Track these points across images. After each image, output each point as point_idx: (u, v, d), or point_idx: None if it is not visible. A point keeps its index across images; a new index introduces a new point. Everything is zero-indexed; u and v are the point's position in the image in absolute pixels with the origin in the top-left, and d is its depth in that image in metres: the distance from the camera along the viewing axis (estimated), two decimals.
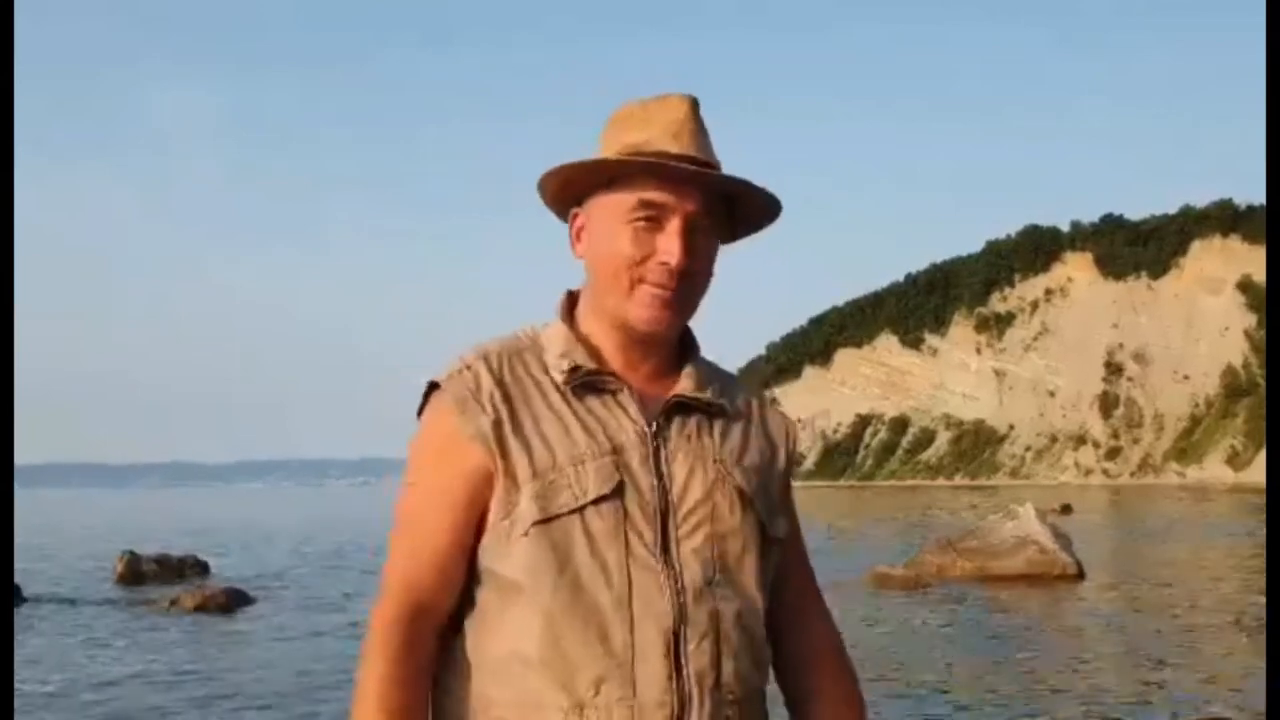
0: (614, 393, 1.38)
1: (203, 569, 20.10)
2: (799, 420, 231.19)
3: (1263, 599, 15.95)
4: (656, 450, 1.36)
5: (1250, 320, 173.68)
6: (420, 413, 1.39)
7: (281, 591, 17.37)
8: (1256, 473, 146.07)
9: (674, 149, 1.35)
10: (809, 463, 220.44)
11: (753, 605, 1.38)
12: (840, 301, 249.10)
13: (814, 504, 67.68)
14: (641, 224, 1.35)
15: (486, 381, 1.34)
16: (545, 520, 1.28)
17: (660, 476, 1.34)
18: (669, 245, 1.34)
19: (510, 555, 1.30)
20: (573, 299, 1.47)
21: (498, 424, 1.32)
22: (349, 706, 1.30)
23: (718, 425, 1.43)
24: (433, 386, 1.38)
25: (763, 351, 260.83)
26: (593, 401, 1.37)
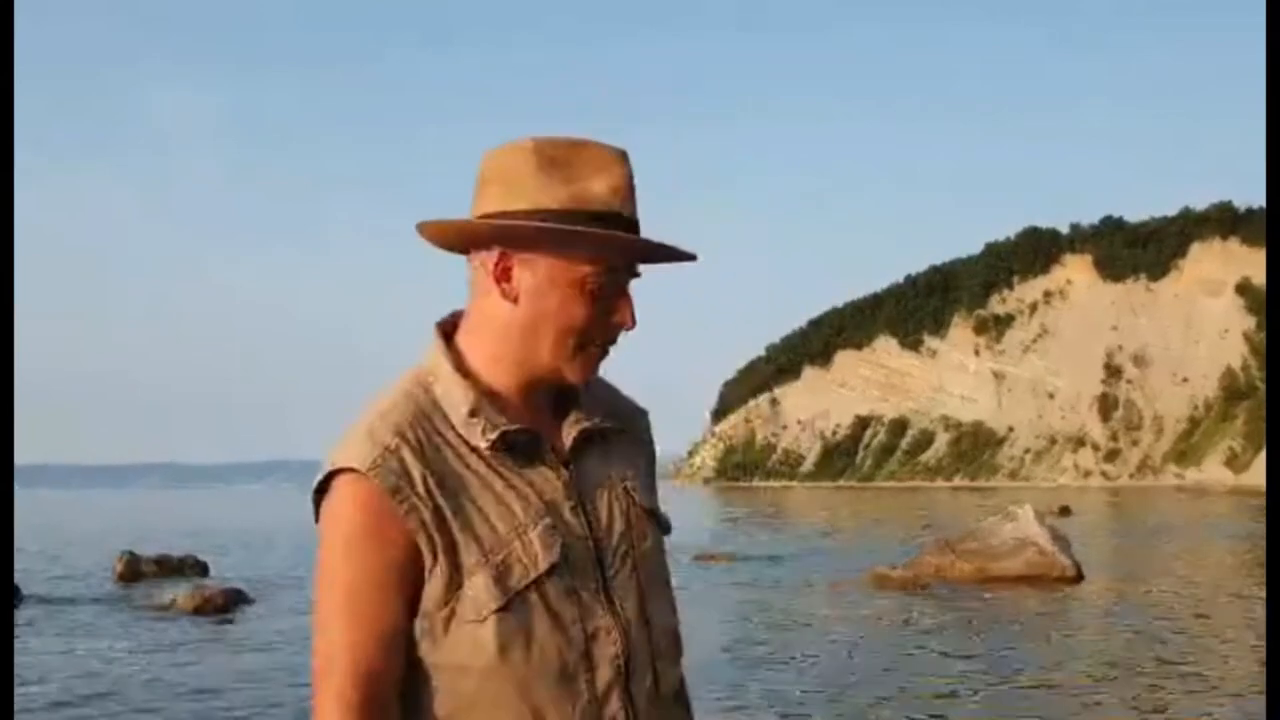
0: (530, 444, 1.31)
1: (202, 569, 20.11)
2: (799, 422, 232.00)
3: (1263, 598, 15.97)
4: (579, 494, 1.33)
5: (1249, 323, 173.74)
6: (323, 495, 1.29)
7: (280, 592, 17.37)
8: (1256, 475, 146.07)
9: (625, 213, 1.31)
10: (808, 464, 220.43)
11: (672, 608, 1.41)
12: (840, 303, 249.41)
13: (814, 505, 67.71)
14: (594, 290, 1.29)
15: (416, 468, 1.25)
16: (506, 604, 1.24)
17: (587, 520, 1.32)
18: (625, 312, 1.32)
19: (454, 642, 1.25)
20: (446, 334, 1.37)
21: (438, 513, 1.24)
22: None
23: (610, 443, 1.40)
24: (340, 471, 1.26)
25: (762, 352, 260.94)
26: (513, 459, 1.30)
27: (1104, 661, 10.92)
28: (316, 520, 1.30)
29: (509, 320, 1.31)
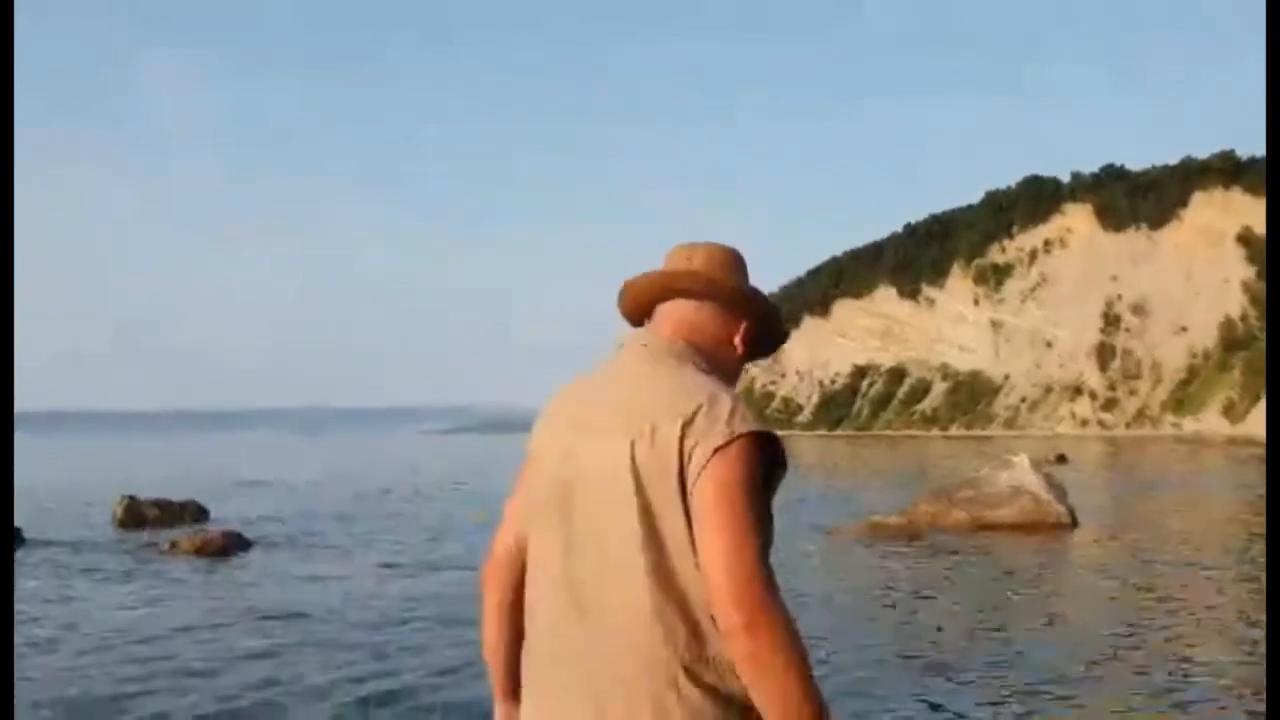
0: None
1: (202, 513, 20.21)
2: (797, 372, 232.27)
3: (1256, 547, 16.08)
4: None
5: (1249, 272, 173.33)
6: (749, 455, 1.59)
7: (279, 536, 17.48)
8: (1252, 425, 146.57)
9: None
10: (806, 413, 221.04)
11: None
12: (839, 252, 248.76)
13: (811, 454, 67.94)
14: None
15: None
16: None
17: None
18: None
19: None
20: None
21: None
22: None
23: None
24: (756, 435, 1.61)
25: None
26: None
27: (1092, 606, 11.03)
28: (711, 443, 1.58)
29: (733, 359, 1.85)
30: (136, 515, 19.13)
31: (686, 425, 1.59)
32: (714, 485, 1.56)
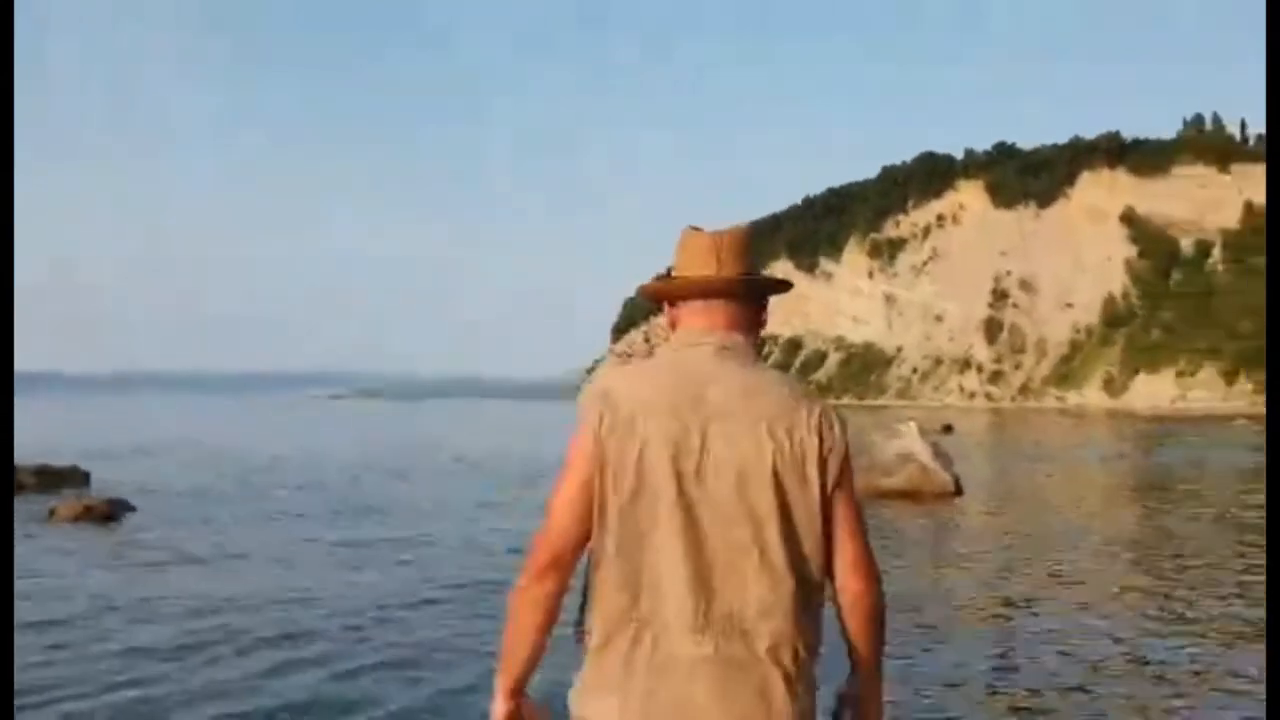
0: None
1: (84, 479, 19.59)
2: None
3: (1128, 512, 16.79)
4: None
5: (1131, 251, 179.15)
6: (825, 420, 1.97)
7: (162, 502, 17.07)
8: (1131, 399, 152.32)
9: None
10: None
11: None
12: (739, 222, 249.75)
13: None
14: None
15: None
16: None
17: None
18: None
19: None
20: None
21: None
22: None
23: None
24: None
25: (661, 271, 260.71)
26: None
27: (972, 569, 11.40)
28: (836, 438, 1.96)
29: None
30: (15, 482, 18.44)
31: (821, 426, 1.94)
32: (846, 477, 1.95)
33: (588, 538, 1.92)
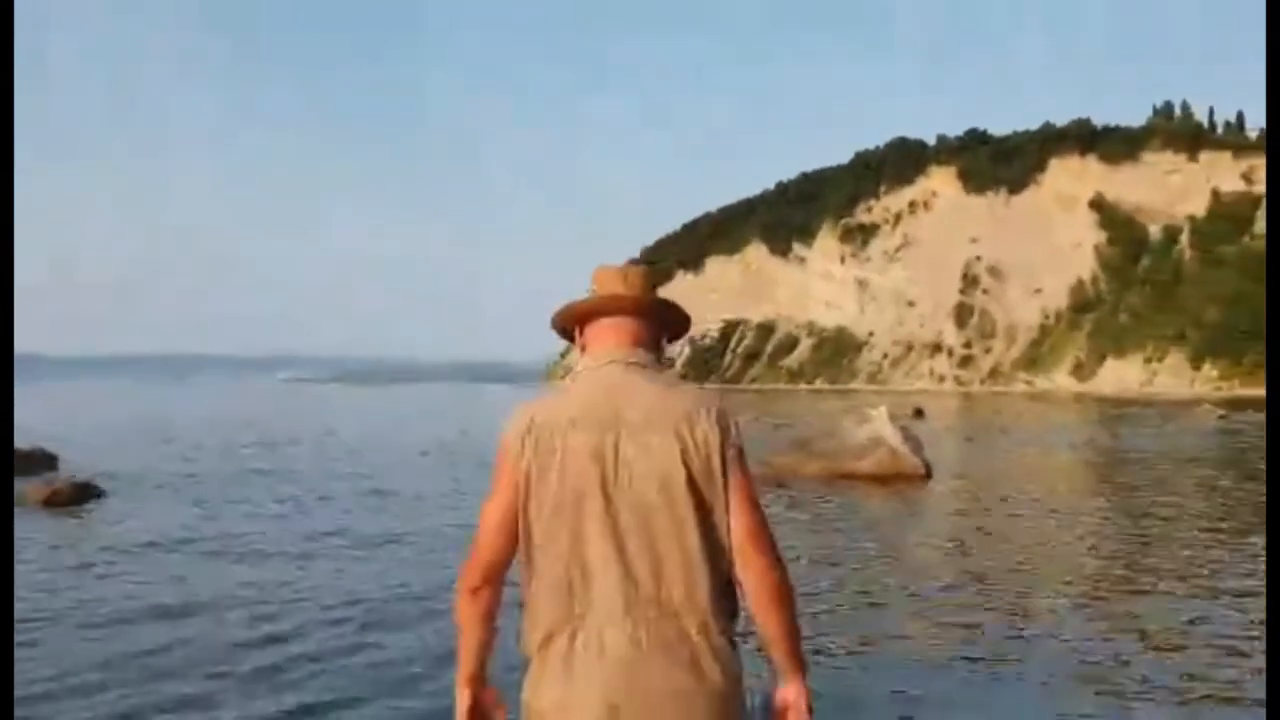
0: None
1: (50, 462, 19.44)
2: None
3: (1098, 496, 17.00)
4: None
5: (1100, 237, 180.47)
6: (723, 419, 2.23)
7: (131, 485, 16.97)
8: (1099, 383, 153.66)
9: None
10: (677, 366, 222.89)
11: None
12: (713, 208, 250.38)
13: None
14: None
15: None
16: None
17: None
18: None
19: None
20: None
21: None
22: None
23: None
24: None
25: (636, 255, 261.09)
26: None
27: (942, 551, 11.53)
28: (730, 438, 2.16)
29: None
30: None
31: (720, 421, 2.16)
32: (741, 468, 2.16)
33: (509, 554, 2.19)
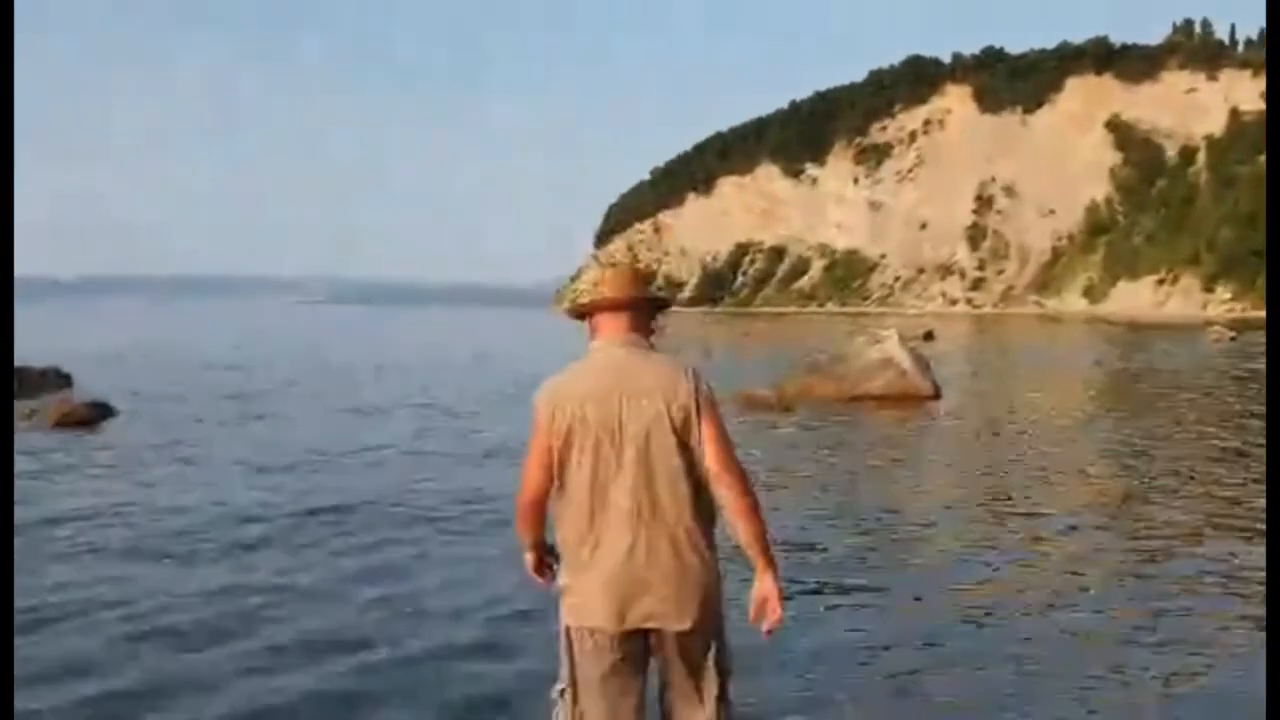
0: None
1: (65, 382, 19.55)
2: (681, 250, 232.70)
3: (1106, 416, 17.03)
4: None
5: (1115, 158, 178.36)
6: (714, 397, 3.06)
7: (145, 406, 17.08)
8: (1110, 305, 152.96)
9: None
10: (688, 290, 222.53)
11: None
12: (724, 128, 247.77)
13: (692, 329, 68.73)
14: None
15: None
16: None
17: None
18: None
19: None
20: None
21: None
22: None
23: None
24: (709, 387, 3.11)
25: (647, 176, 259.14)
26: None
27: (949, 471, 11.60)
28: (701, 395, 2.97)
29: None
30: None
31: (695, 384, 2.97)
32: (711, 416, 2.97)
33: (549, 487, 2.99)
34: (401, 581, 6.63)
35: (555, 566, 3.12)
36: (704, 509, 2.95)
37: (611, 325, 3.10)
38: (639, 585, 2.89)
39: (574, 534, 2.96)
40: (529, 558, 3.19)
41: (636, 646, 2.96)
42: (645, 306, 3.17)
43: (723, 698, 3.02)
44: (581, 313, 3.19)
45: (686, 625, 2.93)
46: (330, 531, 8.03)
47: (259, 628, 5.67)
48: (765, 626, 3.00)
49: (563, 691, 3.03)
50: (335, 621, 5.80)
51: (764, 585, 2.98)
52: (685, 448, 2.92)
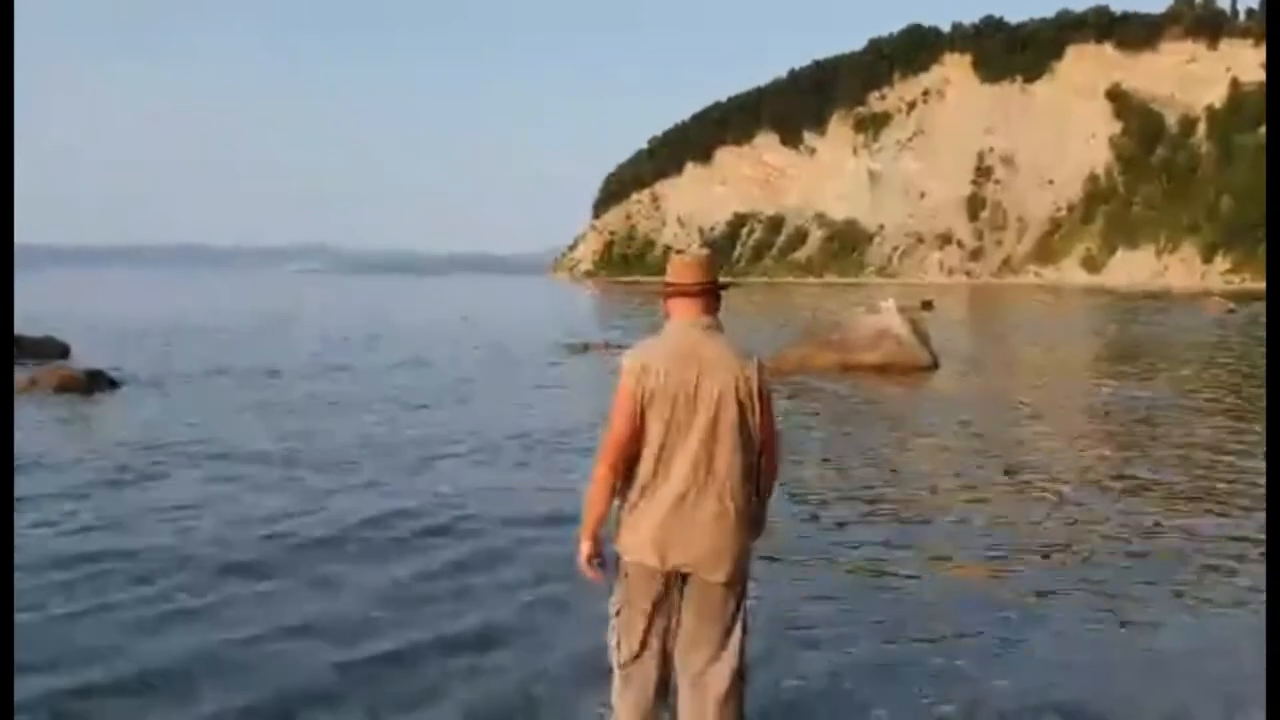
0: None
1: (62, 352, 19.53)
2: (679, 219, 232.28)
3: (1103, 388, 17.06)
4: None
5: (1115, 128, 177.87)
6: (758, 369, 3.51)
7: (142, 376, 17.05)
8: (1109, 275, 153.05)
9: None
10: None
11: None
12: (723, 97, 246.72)
13: None
14: None
15: None
16: None
17: None
18: None
19: None
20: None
21: None
22: None
23: None
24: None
25: (645, 145, 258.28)
26: None
27: (939, 437, 11.62)
28: (764, 382, 3.44)
29: None
30: None
31: (758, 370, 3.42)
32: (768, 402, 3.46)
33: (630, 436, 3.36)
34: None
35: (603, 567, 3.49)
36: (750, 477, 3.44)
37: (686, 308, 3.49)
38: (683, 532, 3.34)
39: (640, 478, 3.38)
40: (585, 547, 3.48)
41: (677, 585, 3.41)
42: (715, 291, 3.54)
43: (741, 651, 3.46)
44: (665, 295, 3.59)
45: (720, 578, 3.38)
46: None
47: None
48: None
49: (618, 611, 3.46)
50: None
51: (760, 507, 3.63)
52: (744, 423, 3.38)
